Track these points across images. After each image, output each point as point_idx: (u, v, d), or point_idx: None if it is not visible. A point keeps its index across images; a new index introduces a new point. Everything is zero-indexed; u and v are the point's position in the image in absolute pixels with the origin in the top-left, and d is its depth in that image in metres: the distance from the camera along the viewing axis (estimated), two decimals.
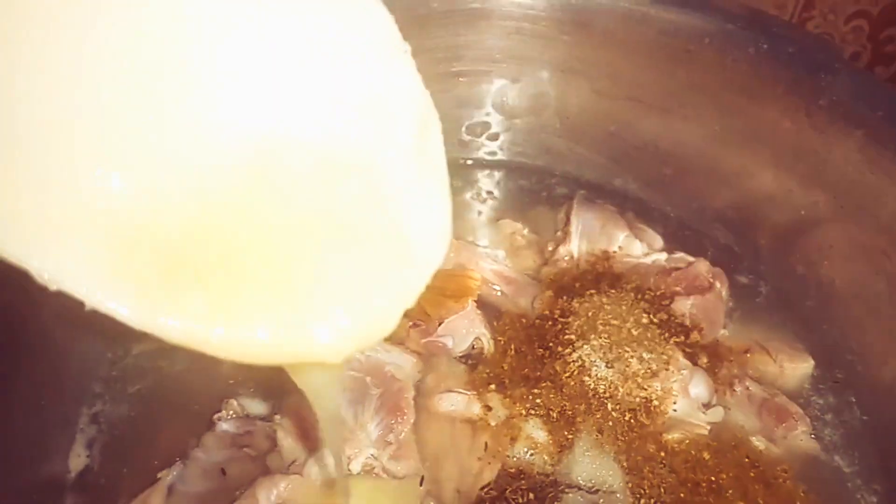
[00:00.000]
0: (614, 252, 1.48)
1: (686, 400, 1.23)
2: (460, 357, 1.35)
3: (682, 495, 1.15)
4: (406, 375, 1.27)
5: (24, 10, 0.53)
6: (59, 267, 0.56)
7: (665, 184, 1.65)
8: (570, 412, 1.22)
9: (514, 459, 1.20)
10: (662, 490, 1.15)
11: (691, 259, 1.46)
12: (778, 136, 1.43)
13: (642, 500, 1.14)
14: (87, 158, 0.55)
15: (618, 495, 1.14)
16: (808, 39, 1.46)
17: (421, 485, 1.16)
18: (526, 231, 1.59)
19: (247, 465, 1.20)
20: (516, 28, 1.58)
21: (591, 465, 1.17)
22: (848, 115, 1.34)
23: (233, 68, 0.59)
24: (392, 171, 0.67)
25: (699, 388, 1.25)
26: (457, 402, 1.24)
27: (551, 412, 1.22)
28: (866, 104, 1.33)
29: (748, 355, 1.37)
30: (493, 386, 1.26)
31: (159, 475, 1.18)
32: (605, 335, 1.26)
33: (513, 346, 1.34)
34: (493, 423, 1.22)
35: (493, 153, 1.77)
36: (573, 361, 1.25)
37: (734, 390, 1.30)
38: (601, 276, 1.44)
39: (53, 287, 0.55)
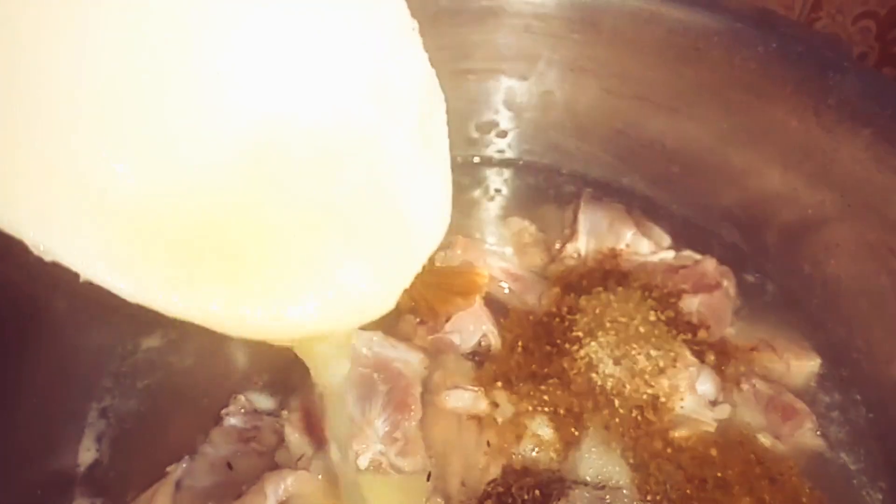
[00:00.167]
0: (622, 250, 1.48)
1: (693, 397, 1.24)
2: (467, 354, 1.35)
3: (688, 491, 1.16)
4: (413, 372, 1.27)
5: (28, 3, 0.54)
6: (57, 241, 0.56)
7: (672, 182, 1.65)
8: (577, 409, 1.22)
9: (521, 456, 1.20)
10: (669, 486, 1.16)
11: (698, 257, 1.47)
12: (786, 134, 1.43)
13: (649, 497, 1.14)
14: (90, 144, 0.56)
15: (624, 491, 1.14)
16: (816, 38, 1.46)
17: (428, 480, 1.16)
18: (534, 229, 1.59)
19: (254, 459, 1.20)
20: (525, 26, 1.58)
21: (598, 461, 1.18)
22: (856, 114, 1.34)
23: (237, 52, 0.59)
24: (394, 153, 0.67)
25: (706, 385, 1.26)
26: (464, 398, 1.24)
27: (558, 409, 1.22)
28: (875, 103, 1.32)
29: (755, 353, 1.38)
30: (499, 383, 1.27)
31: (167, 469, 1.19)
32: (613, 332, 1.26)
33: (520, 343, 1.34)
34: (499, 420, 1.22)
35: (502, 151, 1.78)
36: (580, 358, 1.25)
37: (741, 388, 1.30)
38: (608, 273, 1.44)
39: (48, 258, 0.55)
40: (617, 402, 1.22)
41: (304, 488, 1.12)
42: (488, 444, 1.20)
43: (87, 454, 1.25)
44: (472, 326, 1.36)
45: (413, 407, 1.22)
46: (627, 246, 1.49)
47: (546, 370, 1.27)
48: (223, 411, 1.26)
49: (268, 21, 0.60)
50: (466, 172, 1.73)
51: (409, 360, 1.28)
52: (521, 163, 1.77)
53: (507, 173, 1.76)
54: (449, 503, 1.16)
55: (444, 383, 1.27)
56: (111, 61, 0.56)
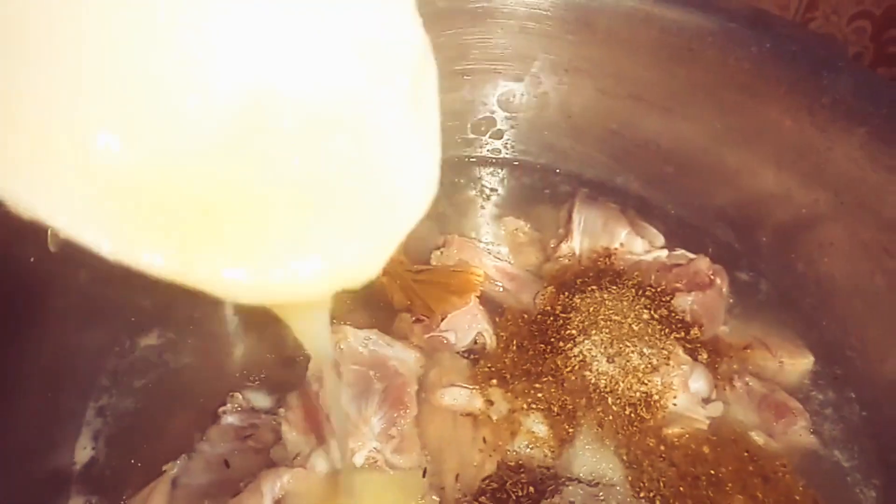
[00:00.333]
0: (616, 249, 1.49)
1: (686, 395, 1.24)
2: (463, 352, 1.36)
3: (681, 489, 1.16)
4: (409, 370, 1.28)
5: None
6: (43, 199, 0.56)
7: (667, 182, 1.66)
8: (570, 406, 1.23)
9: (515, 453, 1.20)
10: (662, 483, 1.16)
11: (692, 256, 1.47)
12: (780, 134, 1.44)
13: (642, 494, 1.15)
14: (75, 107, 0.55)
15: (618, 488, 1.15)
16: (810, 38, 1.47)
17: (424, 477, 1.17)
18: (528, 228, 1.60)
19: (251, 457, 1.21)
20: (521, 27, 1.59)
21: (592, 458, 1.18)
22: (850, 113, 1.35)
23: (223, 18, 0.58)
24: (384, 119, 0.66)
25: (699, 382, 1.26)
26: (459, 396, 1.25)
27: (552, 406, 1.23)
28: (869, 102, 1.33)
29: (748, 351, 1.38)
30: (494, 381, 1.27)
31: (164, 468, 1.19)
32: (606, 330, 1.27)
33: (515, 342, 1.35)
34: (494, 418, 1.23)
35: (497, 151, 1.78)
36: (574, 356, 1.26)
37: (734, 385, 1.31)
38: (603, 272, 1.44)
39: (27, 216, 0.56)
40: (610, 400, 1.23)
41: (301, 486, 1.12)
42: (484, 440, 1.21)
43: (83, 452, 1.25)
44: (468, 325, 1.36)
45: (409, 405, 1.22)
46: (622, 245, 1.49)
47: (540, 368, 1.28)
48: (220, 409, 1.26)
49: None
50: (462, 172, 1.74)
51: (404, 358, 1.29)
52: (516, 163, 1.78)
53: (502, 173, 1.76)
54: (444, 500, 1.16)
55: (439, 381, 1.28)
56: (96, 24, 0.55)
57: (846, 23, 2.23)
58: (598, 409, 1.23)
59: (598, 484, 1.15)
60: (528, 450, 1.21)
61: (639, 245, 1.50)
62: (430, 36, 0.71)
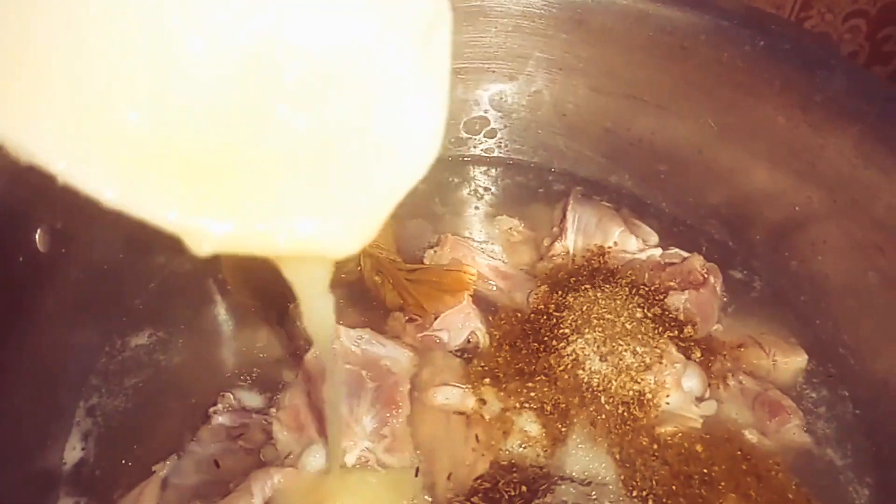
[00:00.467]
0: (609, 248, 1.49)
1: (679, 393, 1.24)
2: (456, 351, 1.35)
3: (674, 487, 1.16)
4: (402, 369, 1.27)
5: None
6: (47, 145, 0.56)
7: (660, 180, 1.66)
8: (563, 405, 1.23)
9: (508, 452, 1.20)
10: (655, 482, 1.16)
11: (686, 254, 1.47)
12: (773, 132, 1.44)
13: (634, 492, 1.14)
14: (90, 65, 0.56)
15: (610, 487, 1.14)
16: (804, 36, 1.47)
17: (416, 475, 1.16)
18: (522, 227, 1.60)
19: (241, 457, 1.20)
20: (514, 26, 1.59)
21: (584, 457, 1.18)
22: (843, 111, 1.34)
23: None
24: (391, 70, 0.65)
25: (692, 381, 1.26)
26: (452, 395, 1.24)
27: (545, 405, 1.23)
28: (862, 100, 1.33)
29: (742, 349, 1.38)
30: (487, 380, 1.27)
31: (154, 468, 1.19)
32: (600, 329, 1.26)
33: (508, 341, 1.35)
34: (487, 417, 1.23)
35: (491, 150, 1.78)
36: (567, 355, 1.25)
37: (727, 384, 1.31)
38: (596, 271, 1.44)
39: (24, 161, 0.56)
40: (603, 399, 1.22)
41: (292, 486, 1.12)
42: (476, 440, 1.20)
43: (72, 453, 1.25)
44: (461, 324, 1.36)
45: (401, 404, 1.22)
46: (615, 244, 1.49)
47: (533, 367, 1.27)
48: (211, 409, 1.26)
49: None
50: (455, 171, 1.73)
51: (397, 357, 1.28)
52: (510, 162, 1.77)
53: (496, 172, 1.76)
54: (436, 499, 1.16)
55: (432, 380, 1.27)
56: None
57: (841, 21, 2.22)
58: (591, 408, 1.22)
59: (590, 483, 1.15)
60: (521, 449, 1.20)
61: (633, 244, 1.49)
62: None
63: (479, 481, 1.16)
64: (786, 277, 1.50)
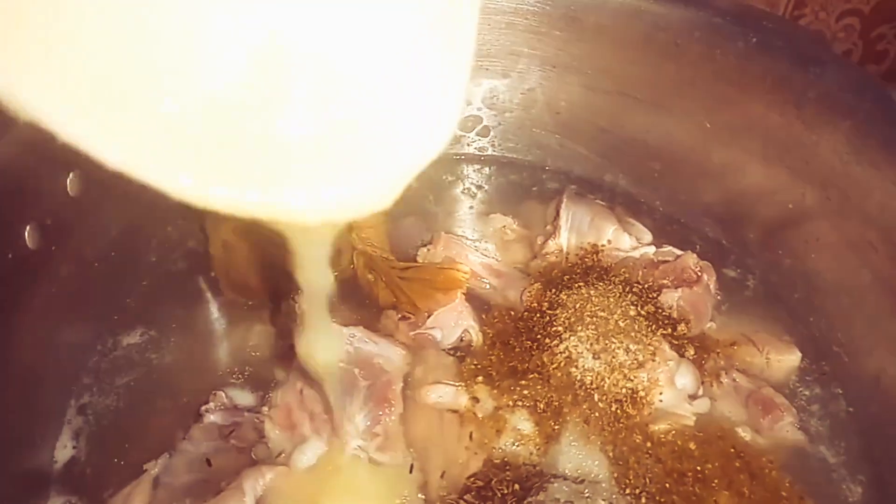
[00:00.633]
0: (603, 246, 1.48)
1: (672, 391, 1.24)
2: (449, 349, 1.35)
3: (667, 485, 1.16)
4: (395, 367, 1.27)
5: None
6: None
7: (654, 178, 1.66)
8: (556, 403, 1.22)
9: (501, 450, 1.20)
10: (648, 480, 1.16)
11: (679, 252, 1.47)
12: (766, 129, 1.44)
13: (628, 490, 1.14)
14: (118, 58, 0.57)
15: (603, 485, 1.14)
16: (796, 32, 1.47)
17: (410, 472, 1.16)
18: (516, 225, 1.59)
19: (233, 456, 1.20)
20: (507, 23, 1.58)
21: (578, 455, 1.18)
22: (836, 107, 1.34)
23: None
24: (411, 44, 0.66)
25: (685, 379, 1.26)
26: (445, 393, 1.24)
27: (538, 403, 1.22)
28: (854, 96, 1.33)
29: (735, 347, 1.38)
30: (480, 378, 1.27)
31: (146, 467, 1.18)
32: (593, 327, 1.26)
33: (501, 339, 1.34)
34: (480, 415, 1.22)
35: (484, 148, 1.77)
36: (560, 353, 1.25)
37: (721, 382, 1.31)
38: (590, 269, 1.44)
39: (23, 119, 0.56)
40: (596, 396, 1.22)
41: (284, 484, 1.12)
42: (470, 437, 1.20)
43: (63, 451, 1.24)
44: (454, 322, 1.36)
45: (394, 402, 1.22)
46: (609, 242, 1.49)
47: (526, 365, 1.27)
48: (203, 408, 1.25)
49: None
50: (449, 169, 1.73)
51: (390, 355, 1.28)
52: (503, 160, 1.77)
53: (489, 170, 1.75)
54: (429, 497, 1.16)
55: (425, 379, 1.27)
56: None
57: (835, 20, 2.23)
58: (584, 406, 1.22)
59: (583, 481, 1.14)
60: (514, 447, 1.20)
61: (626, 242, 1.49)
62: None
63: (472, 479, 1.16)
64: (779, 275, 1.50)
